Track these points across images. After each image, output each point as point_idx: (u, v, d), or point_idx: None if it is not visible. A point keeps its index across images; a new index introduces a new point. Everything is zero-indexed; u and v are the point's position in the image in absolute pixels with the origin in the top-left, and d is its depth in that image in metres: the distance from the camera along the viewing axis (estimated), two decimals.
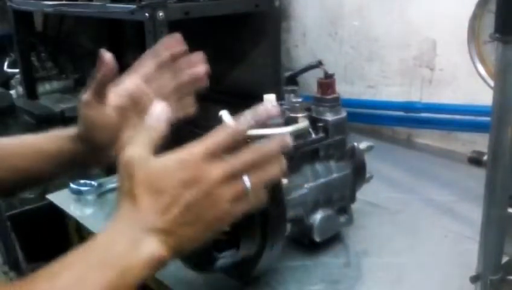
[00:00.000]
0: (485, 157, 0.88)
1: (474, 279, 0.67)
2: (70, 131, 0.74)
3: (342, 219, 0.88)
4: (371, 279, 0.80)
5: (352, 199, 0.90)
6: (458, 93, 1.34)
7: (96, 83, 0.70)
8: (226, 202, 0.53)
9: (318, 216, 0.83)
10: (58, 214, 1.10)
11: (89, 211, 1.07)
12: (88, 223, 1.01)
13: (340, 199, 0.86)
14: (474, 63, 0.99)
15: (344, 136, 0.86)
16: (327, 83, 0.85)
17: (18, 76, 2.20)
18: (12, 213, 1.31)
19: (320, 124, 0.84)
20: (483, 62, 0.97)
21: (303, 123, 0.81)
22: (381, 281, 0.80)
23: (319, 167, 0.84)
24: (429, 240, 0.91)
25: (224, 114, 0.78)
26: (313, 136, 0.84)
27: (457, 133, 1.37)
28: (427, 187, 1.09)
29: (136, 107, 0.73)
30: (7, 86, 2.33)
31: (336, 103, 0.85)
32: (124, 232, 0.52)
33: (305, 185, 0.81)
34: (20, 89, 2.17)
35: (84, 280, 0.50)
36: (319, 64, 0.89)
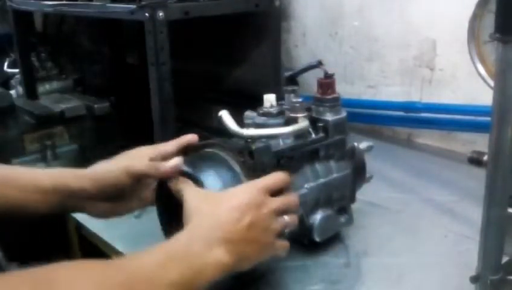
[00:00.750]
0: (485, 157, 0.88)
1: (474, 279, 0.67)
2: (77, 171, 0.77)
3: (342, 219, 0.88)
4: (371, 279, 0.80)
5: (352, 199, 0.90)
6: (458, 93, 1.34)
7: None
8: (274, 230, 0.66)
9: (318, 216, 0.83)
10: (58, 214, 1.10)
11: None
12: (88, 223, 1.01)
13: (340, 198, 0.86)
14: (474, 63, 0.99)
15: (344, 136, 0.85)
16: (327, 83, 0.85)
17: (18, 76, 2.20)
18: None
19: (320, 124, 0.84)
20: (483, 62, 0.97)
21: (303, 123, 0.81)
22: (381, 281, 0.80)
23: (319, 166, 0.84)
24: (429, 240, 0.91)
25: (224, 114, 0.78)
26: (313, 136, 0.83)
27: (457, 133, 1.37)
28: (427, 187, 1.09)
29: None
30: (7, 86, 2.33)
31: (336, 103, 0.85)
32: (202, 236, 0.61)
33: (306, 185, 0.81)
34: (20, 89, 2.17)
35: (165, 269, 0.56)
36: (319, 64, 0.89)
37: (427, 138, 1.45)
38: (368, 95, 1.53)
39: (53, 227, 1.17)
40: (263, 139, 0.75)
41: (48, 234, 1.21)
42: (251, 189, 0.66)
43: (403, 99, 1.44)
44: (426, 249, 0.88)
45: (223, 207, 0.64)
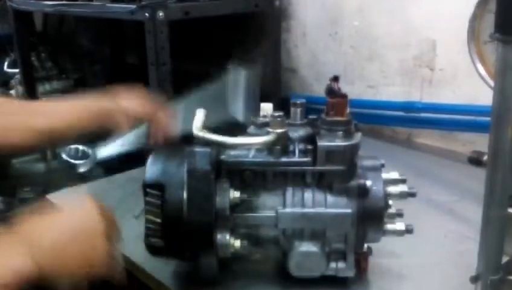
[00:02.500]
0: (485, 158, 0.89)
1: (474, 279, 0.67)
2: None
3: (339, 264, 0.76)
4: (371, 279, 0.80)
5: (358, 246, 0.77)
6: (458, 93, 1.34)
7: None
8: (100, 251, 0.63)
9: (294, 249, 0.75)
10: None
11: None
12: None
13: (336, 240, 0.76)
14: (474, 63, 0.99)
15: (344, 167, 0.74)
16: (331, 103, 0.75)
17: (18, 76, 2.20)
18: (12, 213, 1.31)
19: (310, 147, 0.75)
20: (483, 62, 0.97)
21: (261, 138, 0.74)
22: (381, 281, 0.80)
23: (306, 195, 0.76)
24: (429, 240, 0.91)
25: (198, 112, 0.78)
26: (296, 157, 0.75)
27: (457, 133, 1.37)
28: (427, 187, 1.09)
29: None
30: (7, 86, 2.33)
31: (338, 128, 0.74)
32: (10, 238, 0.59)
33: (278, 208, 0.75)
34: (20, 89, 2.17)
35: None
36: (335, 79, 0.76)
37: (427, 138, 1.45)
38: (368, 95, 1.53)
39: None
40: (234, 148, 0.76)
41: None
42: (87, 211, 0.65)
43: (403, 99, 1.44)
44: (426, 249, 0.88)
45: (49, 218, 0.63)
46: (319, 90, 1.49)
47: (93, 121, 0.80)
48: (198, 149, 0.73)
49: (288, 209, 0.75)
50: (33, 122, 0.79)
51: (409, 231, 0.78)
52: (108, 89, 0.84)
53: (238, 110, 0.83)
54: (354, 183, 0.75)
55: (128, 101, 0.83)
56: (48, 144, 0.83)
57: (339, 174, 0.75)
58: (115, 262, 0.65)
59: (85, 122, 0.80)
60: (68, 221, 0.64)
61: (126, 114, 0.81)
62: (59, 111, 0.83)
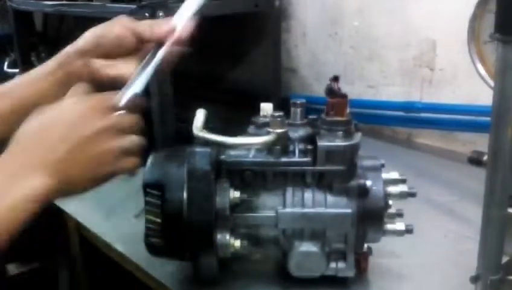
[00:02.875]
0: (485, 158, 0.89)
1: (474, 279, 0.67)
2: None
3: (339, 265, 0.77)
4: (371, 279, 0.80)
5: (359, 247, 0.78)
6: (458, 93, 1.34)
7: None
8: (109, 150, 0.60)
9: (294, 249, 0.76)
10: (58, 214, 1.11)
11: (89, 211, 1.07)
12: (88, 223, 1.01)
13: (336, 240, 0.76)
14: (474, 63, 0.99)
15: (344, 167, 0.74)
16: (331, 103, 0.75)
17: (18, 76, 2.20)
18: None
19: (310, 147, 0.75)
20: (483, 62, 0.97)
21: (261, 138, 0.74)
22: (381, 281, 0.80)
23: (307, 195, 0.76)
24: (429, 240, 0.91)
25: (198, 112, 0.78)
26: (296, 157, 0.75)
27: (457, 133, 1.37)
28: (427, 187, 1.09)
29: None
30: None
31: (338, 128, 0.74)
32: (3, 170, 0.56)
33: (278, 208, 0.75)
34: None
35: None
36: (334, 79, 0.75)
37: (427, 138, 1.45)
38: (368, 95, 1.53)
39: (53, 227, 1.17)
40: (233, 148, 0.75)
41: (48, 234, 1.21)
42: (73, 109, 0.60)
43: (403, 99, 1.44)
44: (426, 249, 0.88)
45: (33, 137, 0.58)
46: (319, 90, 1.49)
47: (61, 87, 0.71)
48: (198, 149, 0.73)
49: (288, 209, 0.75)
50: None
51: (409, 231, 0.78)
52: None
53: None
54: (354, 183, 0.75)
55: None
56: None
57: (339, 174, 0.74)
58: (130, 154, 0.62)
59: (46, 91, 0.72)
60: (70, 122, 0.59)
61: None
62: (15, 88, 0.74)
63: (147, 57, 0.71)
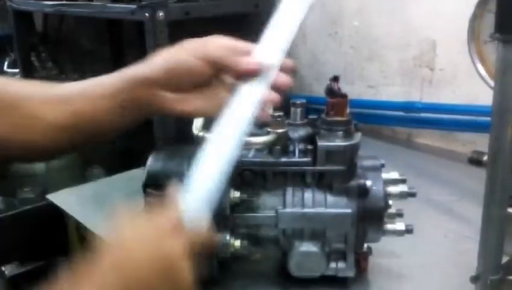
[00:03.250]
0: (485, 158, 0.89)
1: (474, 279, 0.67)
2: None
3: (339, 264, 0.77)
4: (371, 279, 0.80)
5: (359, 247, 0.77)
6: (458, 93, 1.34)
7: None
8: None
9: (294, 248, 0.75)
10: (58, 214, 1.10)
11: (89, 211, 1.07)
12: (88, 223, 1.01)
13: (336, 240, 0.76)
14: (474, 63, 0.99)
15: (344, 167, 0.74)
16: (331, 103, 0.75)
17: (18, 76, 2.20)
18: (13, 213, 1.31)
19: (310, 147, 0.75)
20: (483, 62, 0.97)
21: (260, 138, 0.73)
22: (381, 281, 0.80)
23: (307, 194, 0.75)
24: (429, 240, 0.91)
25: (197, 122, 0.76)
26: (296, 157, 0.75)
27: (457, 133, 1.37)
28: (427, 187, 1.09)
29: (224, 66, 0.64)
30: None
31: (338, 128, 0.74)
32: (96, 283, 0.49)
33: (279, 208, 0.75)
34: None
35: None
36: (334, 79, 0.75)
37: (427, 138, 1.45)
38: (368, 95, 1.53)
39: (53, 227, 1.16)
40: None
41: (48, 234, 1.21)
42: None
43: (403, 99, 1.44)
44: (426, 249, 0.88)
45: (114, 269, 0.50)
46: (318, 90, 1.49)
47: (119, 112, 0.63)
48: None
49: (288, 209, 0.75)
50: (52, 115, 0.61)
51: (409, 231, 0.78)
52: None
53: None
54: (354, 183, 0.75)
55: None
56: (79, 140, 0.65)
57: (339, 174, 0.74)
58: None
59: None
60: (145, 262, 0.51)
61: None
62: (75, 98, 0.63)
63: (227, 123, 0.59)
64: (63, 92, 0.63)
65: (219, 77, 0.65)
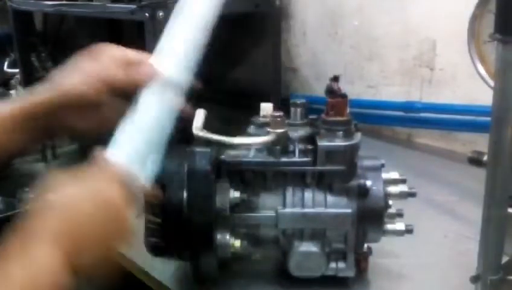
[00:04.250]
0: (485, 158, 0.89)
1: (474, 279, 0.67)
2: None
3: (339, 265, 0.77)
4: (371, 279, 0.80)
5: (359, 247, 0.77)
6: (458, 93, 1.34)
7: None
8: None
9: (294, 249, 0.75)
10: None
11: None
12: None
13: (336, 240, 0.76)
14: (474, 63, 0.99)
15: (344, 167, 0.74)
16: (331, 103, 0.75)
17: (18, 76, 2.20)
18: (12, 213, 1.31)
19: (310, 147, 0.75)
20: (483, 62, 0.97)
21: (260, 138, 0.74)
22: (381, 281, 0.80)
23: (307, 194, 0.75)
24: (429, 240, 0.91)
25: (198, 112, 0.78)
26: (296, 157, 0.75)
27: (457, 133, 1.37)
28: (427, 187, 1.09)
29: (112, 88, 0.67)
30: (7, 86, 2.33)
31: (338, 128, 0.74)
32: (38, 230, 0.52)
33: (279, 208, 0.75)
34: (20, 89, 2.17)
35: (7, 277, 0.49)
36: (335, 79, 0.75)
37: (427, 138, 1.45)
38: (368, 95, 1.53)
39: None
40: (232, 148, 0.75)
41: None
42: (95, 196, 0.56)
43: (403, 99, 1.44)
44: (426, 249, 0.88)
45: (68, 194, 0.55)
46: (319, 90, 1.49)
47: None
48: (198, 149, 0.73)
49: (288, 209, 0.75)
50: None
51: (409, 231, 0.78)
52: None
53: None
54: (354, 183, 0.75)
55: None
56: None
57: (339, 174, 0.74)
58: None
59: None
60: (87, 201, 0.55)
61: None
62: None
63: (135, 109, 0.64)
64: None
65: (116, 92, 0.67)
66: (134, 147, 0.62)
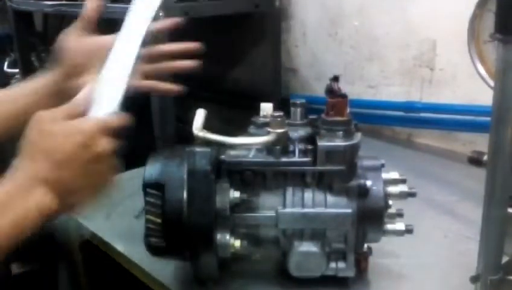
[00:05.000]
0: (485, 158, 0.89)
1: (474, 279, 0.67)
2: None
3: (339, 265, 0.77)
4: (371, 279, 0.80)
5: (359, 247, 0.77)
6: (458, 93, 1.34)
7: (84, 18, 0.83)
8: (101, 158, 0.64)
9: (297, 249, 0.75)
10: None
11: (89, 211, 1.07)
12: (88, 223, 1.01)
13: (336, 240, 0.76)
14: (474, 63, 0.99)
15: (344, 167, 0.73)
16: (331, 103, 0.74)
17: (18, 76, 2.20)
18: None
19: (310, 147, 0.75)
20: (483, 62, 0.97)
21: (260, 138, 0.74)
22: (381, 281, 0.80)
23: (306, 194, 0.75)
24: (429, 240, 0.91)
25: (198, 112, 0.78)
26: (296, 157, 0.75)
27: (457, 133, 1.37)
28: (427, 187, 1.09)
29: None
30: (7, 86, 2.33)
31: (338, 128, 0.74)
32: (19, 182, 0.61)
33: (279, 208, 0.75)
34: None
35: None
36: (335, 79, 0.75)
37: (427, 138, 1.45)
38: (368, 95, 1.53)
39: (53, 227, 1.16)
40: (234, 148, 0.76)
41: (48, 234, 1.21)
42: (79, 130, 0.63)
43: (403, 99, 1.44)
44: (426, 249, 0.88)
45: (42, 151, 0.62)
46: (319, 90, 1.49)
47: (53, 100, 0.79)
48: (198, 149, 0.73)
49: (288, 209, 0.75)
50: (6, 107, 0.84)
51: (409, 231, 0.78)
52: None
53: None
54: (354, 183, 0.75)
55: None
56: (9, 131, 0.84)
57: (339, 174, 0.74)
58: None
59: (44, 103, 0.78)
60: (68, 145, 0.62)
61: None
62: (13, 96, 0.87)
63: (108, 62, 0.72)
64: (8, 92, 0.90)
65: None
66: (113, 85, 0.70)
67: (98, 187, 0.65)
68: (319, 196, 0.75)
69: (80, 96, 0.67)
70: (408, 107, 1.42)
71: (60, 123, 0.63)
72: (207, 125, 0.76)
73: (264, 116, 0.78)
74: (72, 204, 0.64)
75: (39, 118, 0.63)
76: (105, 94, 0.69)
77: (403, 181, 0.79)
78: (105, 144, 0.64)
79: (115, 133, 0.66)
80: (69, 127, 0.63)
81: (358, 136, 0.75)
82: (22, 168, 0.62)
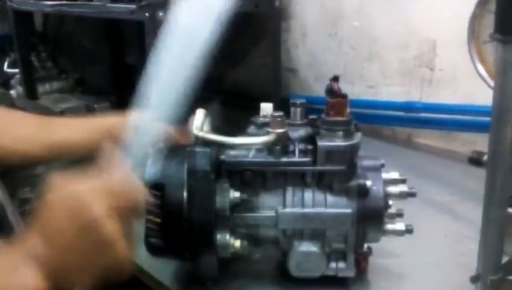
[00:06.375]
0: (485, 158, 0.89)
1: (474, 279, 0.67)
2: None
3: (339, 265, 0.77)
4: (371, 279, 0.80)
5: (359, 247, 0.77)
6: (458, 93, 1.34)
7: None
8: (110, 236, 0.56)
9: (297, 249, 0.75)
10: None
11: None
12: None
13: (336, 240, 0.76)
14: (474, 63, 0.99)
15: (344, 167, 0.74)
16: (331, 103, 0.74)
17: (18, 76, 2.20)
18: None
19: (310, 147, 0.75)
20: (483, 62, 0.97)
21: (261, 138, 0.74)
22: (381, 281, 0.80)
23: (306, 194, 0.75)
24: (429, 240, 0.91)
25: (198, 112, 0.78)
26: (296, 157, 0.75)
27: (457, 133, 1.37)
28: (427, 187, 1.09)
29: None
30: (7, 86, 2.33)
31: (338, 128, 0.74)
32: (10, 256, 0.55)
33: (279, 208, 0.75)
34: (20, 89, 2.17)
35: None
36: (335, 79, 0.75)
37: (427, 138, 1.45)
38: (368, 95, 1.53)
39: None
40: (234, 148, 0.75)
41: None
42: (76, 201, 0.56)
43: (403, 99, 1.44)
44: (426, 249, 0.88)
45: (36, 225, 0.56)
46: (319, 90, 1.49)
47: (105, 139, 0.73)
48: (198, 149, 0.73)
49: (288, 209, 0.75)
50: (44, 135, 0.83)
51: (409, 231, 0.78)
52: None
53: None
54: (354, 183, 0.75)
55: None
56: (57, 158, 0.85)
57: (339, 174, 0.74)
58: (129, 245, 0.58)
59: (96, 140, 0.79)
60: (66, 220, 0.55)
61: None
62: (71, 127, 0.86)
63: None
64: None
65: None
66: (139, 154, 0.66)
67: (105, 267, 0.57)
68: (319, 196, 0.75)
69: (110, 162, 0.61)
70: (408, 107, 1.42)
71: (71, 198, 0.56)
72: (209, 125, 0.76)
73: (264, 116, 0.78)
74: (71, 284, 0.56)
75: (55, 186, 0.57)
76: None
77: (403, 181, 0.79)
78: (115, 228, 0.56)
79: (136, 210, 0.60)
80: (79, 205, 0.55)
81: (358, 136, 0.75)
82: (21, 240, 0.56)
